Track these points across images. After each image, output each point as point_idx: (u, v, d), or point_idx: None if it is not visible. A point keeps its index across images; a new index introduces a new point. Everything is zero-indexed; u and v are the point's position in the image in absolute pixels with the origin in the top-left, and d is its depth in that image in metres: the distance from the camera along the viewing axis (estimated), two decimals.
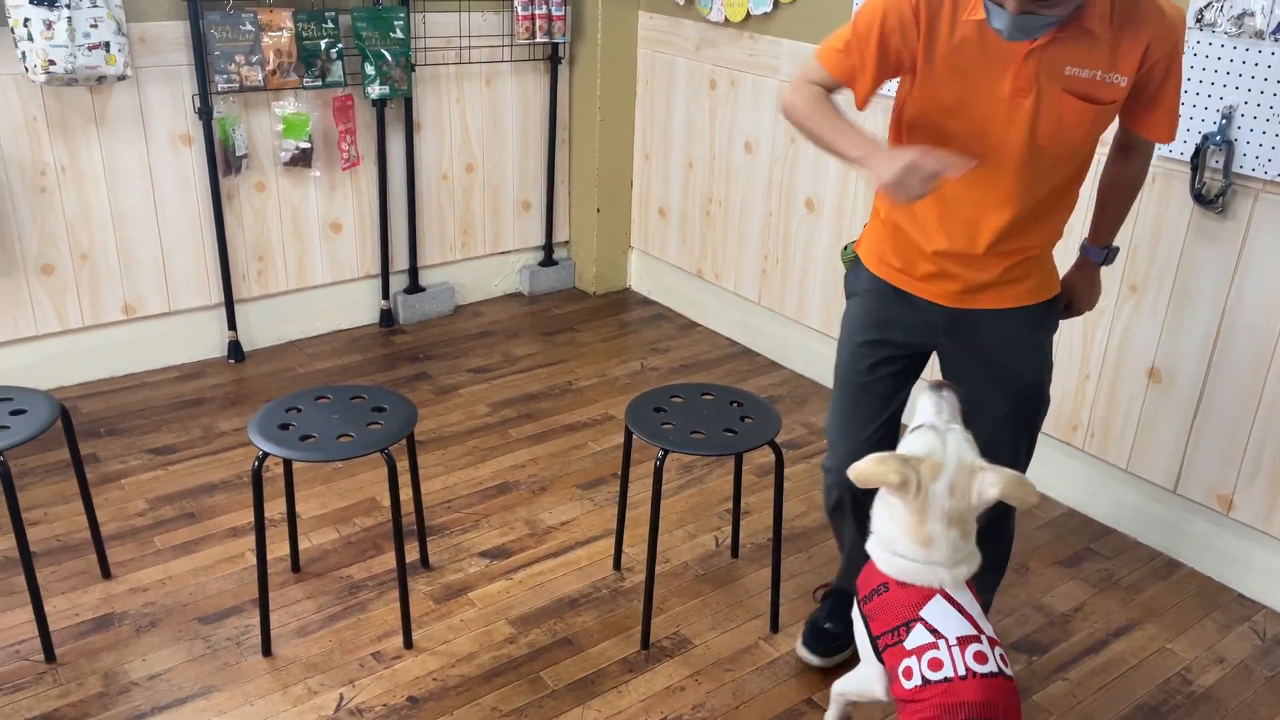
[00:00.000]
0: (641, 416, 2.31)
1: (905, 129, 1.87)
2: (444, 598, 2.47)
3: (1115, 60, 1.71)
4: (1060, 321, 2.07)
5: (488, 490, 2.93)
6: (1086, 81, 1.72)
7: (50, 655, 2.21)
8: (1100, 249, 2.08)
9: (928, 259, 1.92)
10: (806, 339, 3.65)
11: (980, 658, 1.66)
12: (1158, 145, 2.05)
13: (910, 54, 1.76)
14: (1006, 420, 2.02)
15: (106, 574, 2.48)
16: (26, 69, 2.86)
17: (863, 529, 1.97)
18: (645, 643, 2.34)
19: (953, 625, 1.69)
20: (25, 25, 2.80)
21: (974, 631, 1.69)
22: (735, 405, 2.37)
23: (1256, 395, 2.49)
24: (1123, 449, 2.80)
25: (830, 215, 3.43)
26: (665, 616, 2.43)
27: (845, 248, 2.15)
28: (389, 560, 2.59)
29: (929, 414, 1.81)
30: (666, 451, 2.20)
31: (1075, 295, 2.11)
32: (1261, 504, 2.54)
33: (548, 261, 4.33)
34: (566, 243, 4.39)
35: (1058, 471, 2.94)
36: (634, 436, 2.30)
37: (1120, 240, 2.50)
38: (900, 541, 1.74)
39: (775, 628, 2.41)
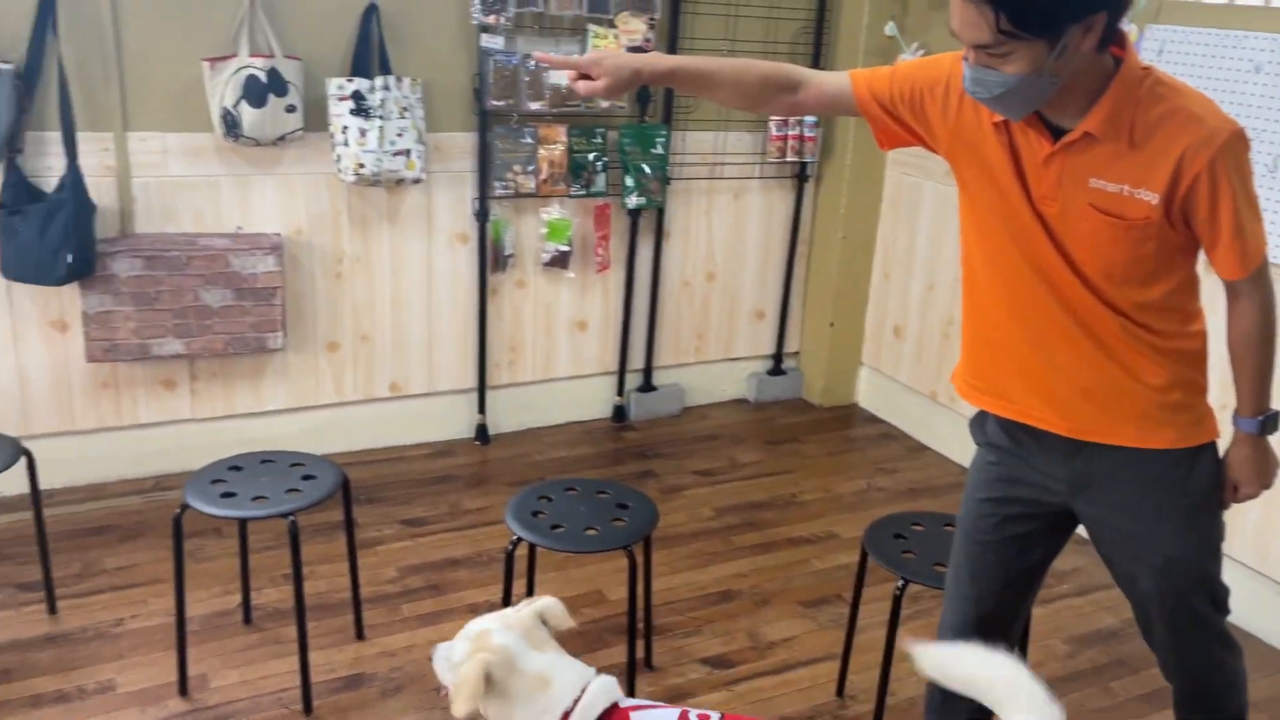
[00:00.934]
0: (881, 541, 2.29)
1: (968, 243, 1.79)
2: (666, 700, 2.50)
3: (1146, 174, 1.54)
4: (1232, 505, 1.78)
5: (710, 596, 2.95)
6: (1114, 196, 1.56)
7: (308, 707, 2.39)
8: (1251, 418, 1.72)
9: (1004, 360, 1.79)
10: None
11: None
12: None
13: (931, 116, 1.71)
14: (1156, 604, 1.78)
15: (360, 635, 2.67)
16: (339, 170, 3.23)
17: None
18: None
19: None
20: (344, 132, 3.19)
21: None
22: None
23: None
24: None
25: None
26: None
27: None
28: (614, 654, 2.65)
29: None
30: (907, 581, 2.17)
31: (1237, 474, 1.75)
32: None
33: (776, 371, 4.38)
34: (796, 354, 4.43)
35: (1267, 606, 2.66)
36: (867, 560, 2.27)
37: None
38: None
39: None
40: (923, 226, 3.93)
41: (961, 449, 3.87)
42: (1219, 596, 1.81)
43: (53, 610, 2.68)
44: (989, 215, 1.69)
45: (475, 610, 2.79)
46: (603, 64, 1.73)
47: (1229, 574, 1.84)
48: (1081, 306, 1.65)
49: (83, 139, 3.00)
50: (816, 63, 3.95)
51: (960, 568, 1.93)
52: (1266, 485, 1.76)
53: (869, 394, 4.35)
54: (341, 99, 3.17)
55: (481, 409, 3.80)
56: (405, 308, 3.61)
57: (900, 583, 2.17)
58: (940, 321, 3.89)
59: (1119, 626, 2.89)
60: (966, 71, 1.52)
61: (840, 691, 2.56)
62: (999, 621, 1.92)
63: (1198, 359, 1.72)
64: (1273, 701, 2.60)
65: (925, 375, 4.00)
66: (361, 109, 3.16)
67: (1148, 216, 1.55)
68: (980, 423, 1.90)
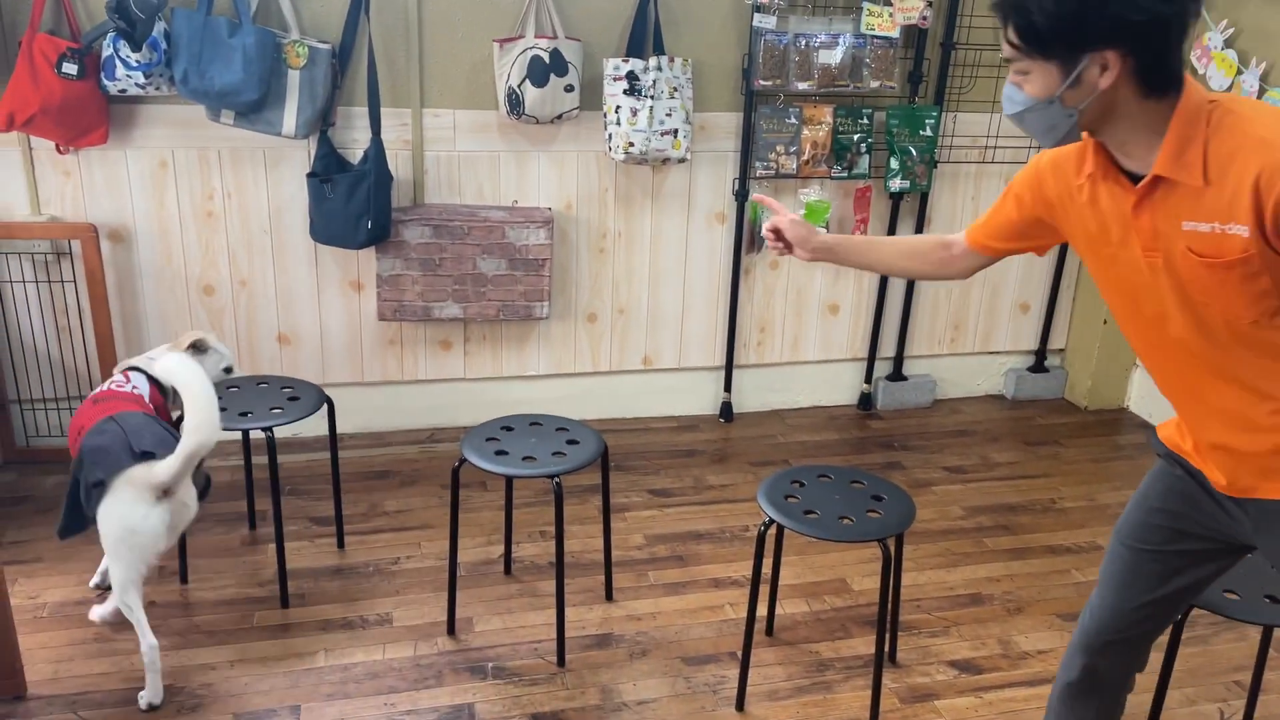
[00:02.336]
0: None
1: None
2: (910, 699, 2.45)
3: (1230, 208, 1.41)
4: None
5: (959, 598, 2.85)
6: (1208, 236, 1.45)
7: (561, 660, 2.52)
8: None
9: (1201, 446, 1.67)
10: None
11: None
12: None
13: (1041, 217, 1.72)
14: None
15: (609, 597, 2.78)
16: (610, 148, 3.34)
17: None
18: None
19: None
20: (616, 111, 3.28)
21: None
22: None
23: None
24: None
25: None
26: None
27: None
28: (857, 645, 2.62)
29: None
30: (1192, 606, 2.00)
31: None
32: None
33: (1038, 368, 4.15)
34: (1061, 350, 4.18)
35: None
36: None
37: None
38: None
39: None
40: None
41: None
42: None
43: (341, 545, 2.97)
44: (1110, 288, 1.65)
45: (718, 585, 2.84)
46: (789, 231, 2.03)
47: None
48: (1220, 358, 1.56)
49: (385, 114, 3.26)
50: None
51: (1113, 574, 1.84)
52: None
53: (1142, 398, 4.04)
54: (616, 79, 3.26)
55: (728, 387, 3.84)
56: (661, 284, 3.69)
57: (1187, 609, 2.01)
58: None
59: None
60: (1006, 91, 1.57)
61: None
62: (1136, 637, 1.84)
63: None
64: None
65: None
66: (634, 89, 3.25)
67: (1245, 250, 1.44)
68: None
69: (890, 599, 2.56)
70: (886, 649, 2.59)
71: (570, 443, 2.54)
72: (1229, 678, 2.55)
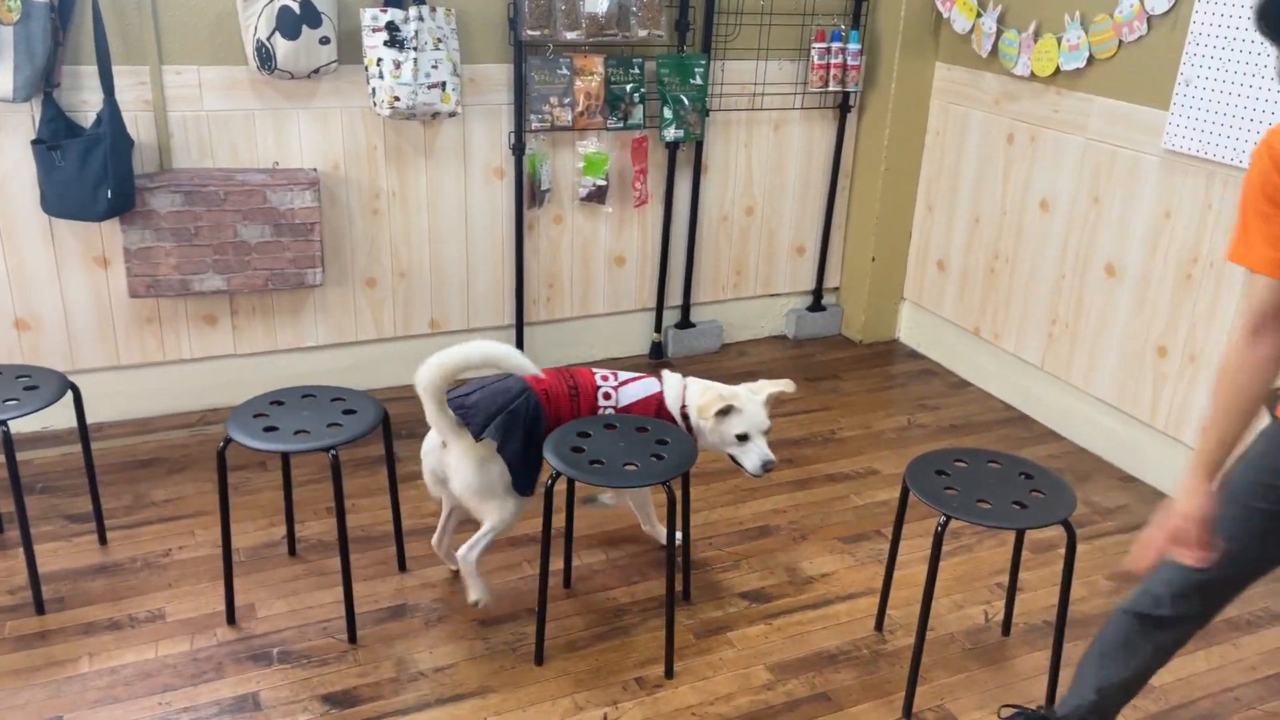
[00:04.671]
0: (923, 478, 2.26)
1: None
2: (704, 633, 2.51)
3: None
4: None
5: (748, 531, 2.95)
6: None
7: (353, 636, 2.43)
8: None
9: None
10: (1092, 411, 3.44)
11: None
12: None
13: None
14: None
15: (403, 567, 2.70)
16: (374, 103, 3.20)
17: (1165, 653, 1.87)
18: (908, 711, 2.27)
19: None
20: (378, 65, 3.14)
21: None
22: (1025, 477, 2.27)
23: None
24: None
25: (1133, 283, 3.23)
26: (929, 687, 2.35)
27: None
28: (652, 588, 2.66)
29: None
30: (949, 518, 2.14)
31: None
32: None
33: (816, 307, 4.32)
34: (836, 289, 4.37)
35: None
36: (908, 496, 2.25)
37: None
38: None
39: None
40: (969, 158, 3.82)
41: (1005, 385, 3.81)
42: None
43: (103, 541, 2.74)
44: None
45: (515, 544, 2.82)
46: (1188, 527, 1.67)
47: None
48: None
49: (119, 73, 2.99)
50: (856, 21, 3.84)
51: (1225, 522, 1.74)
52: None
53: (910, 330, 4.29)
54: (375, 30, 3.12)
55: (520, 345, 3.79)
56: (442, 244, 3.59)
57: (943, 519, 2.14)
58: (986, 256, 3.81)
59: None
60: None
61: (879, 626, 2.55)
62: (1241, 581, 1.82)
63: None
64: None
65: (969, 311, 3.93)
66: (395, 41, 3.11)
67: None
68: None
69: (684, 538, 2.62)
70: (680, 588, 2.65)
71: (347, 413, 2.44)
72: (991, 581, 2.76)
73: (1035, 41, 3.42)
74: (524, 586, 2.65)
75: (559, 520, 2.83)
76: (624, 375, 2.56)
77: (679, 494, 2.55)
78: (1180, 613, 1.84)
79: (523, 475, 2.40)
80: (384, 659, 2.38)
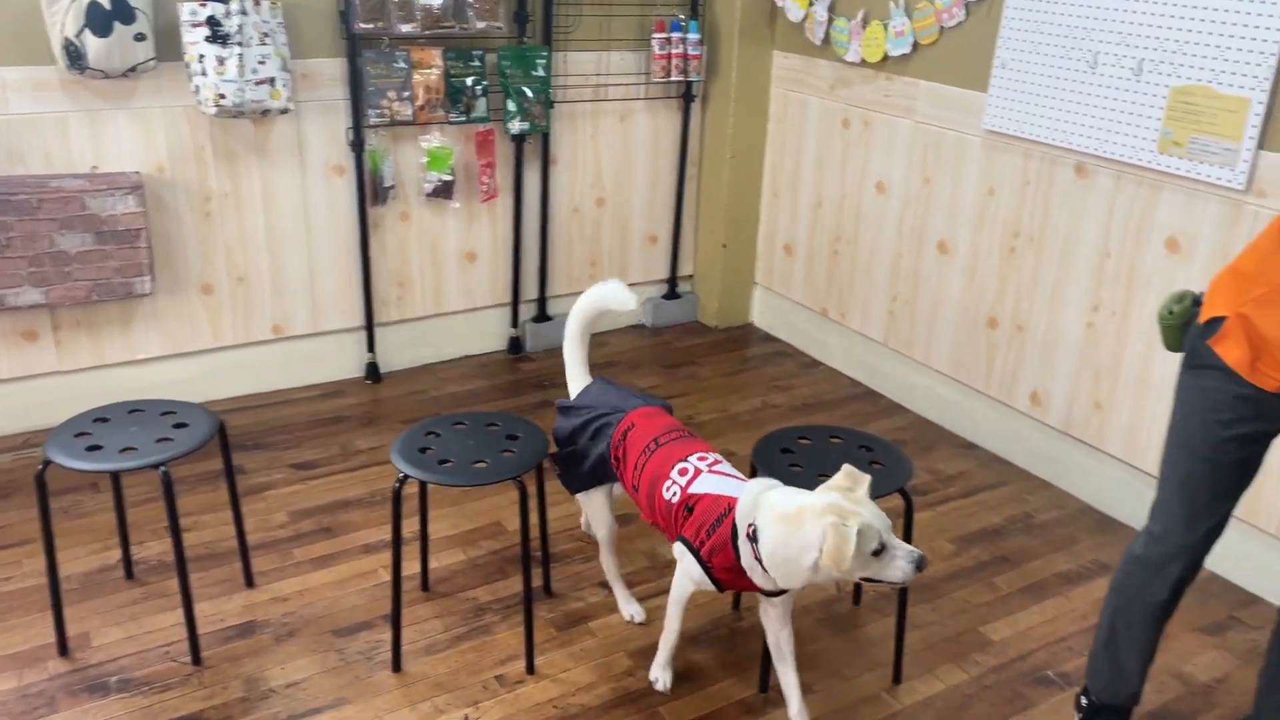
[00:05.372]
0: (768, 457, 2.32)
1: None
2: (565, 626, 2.51)
3: None
4: None
5: None
6: None
7: (197, 658, 2.33)
8: None
9: None
10: (932, 383, 3.59)
11: None
12: None
13: None
14: None
15: (250, 583, 2.60)
16: (199, 101, 3.06)
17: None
18: (764, 686, 2.33)
19: None
20: (200, 61, 3.01)
21: None
22: (864, 450, 2.35)
23: None
24: (1273, 514, 2.65)
25: (964, 258, 3.38)
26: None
27: (1169, 310, 1.91)
28: (513, 585, 2.65)
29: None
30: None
31: None
32: None
33: (671, 295, 4.37)
34: (690, 277, 4.43)
35: None
36: (756, 475, 2.30)
37: None
38: None
39: (898, 679, 2.37)
40: (809, 144, 3.93)
41: (853, 362, 3.94)
42: None
43: None
44: None
45: (370, 551, 2.75)
46: None
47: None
48: None
49: None
50: (695, 11, 3.89)
51: (1194, 480, 1.90)
52: None
53: (763, 313, 4.38)
54: (195, 25, 2.98)
55: (371, 347, 3.71)
56: (282, 245, 3.47)
57: None
58: (829, 239, 3.92)
59: (1001, 524, 3.01)
60: None
61: (736, 605, 2.60)
62: (1220, 525, 1.95)
63: None
64: None
65: (816, 292, 4.04)
66: (218, 35, 2.98)
67: None
68: (1203, 350, 1.85)
69: (540, 532, 2.61)
70: (542, 582, 2.64)
71: (178, 426, 2.33)
72: None
73: (864, 29, 3.53)
74: (380, 593, 2.59)
75: (410, 526, 2.79)
76: (722, 468, 2.14)
77: (533, 489, 2.54)
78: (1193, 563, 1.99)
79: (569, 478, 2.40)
80: (232, 679, 2.29)
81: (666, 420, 2.25)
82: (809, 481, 2.21)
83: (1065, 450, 3.16)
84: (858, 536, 1.80)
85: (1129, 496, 3.00)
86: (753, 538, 1.94)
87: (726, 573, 2.02)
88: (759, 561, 1.94)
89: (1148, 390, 2.89)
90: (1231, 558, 2.76)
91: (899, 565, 1.86)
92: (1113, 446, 3.02)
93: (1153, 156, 2.75)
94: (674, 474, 2.11)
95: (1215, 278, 1.86)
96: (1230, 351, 1.79)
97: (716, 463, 2.13)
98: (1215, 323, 1.81)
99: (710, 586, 2.07)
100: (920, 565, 1.87)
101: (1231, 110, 2.57)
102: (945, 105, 3.34)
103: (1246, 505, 2.70)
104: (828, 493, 1.91)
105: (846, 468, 1.95)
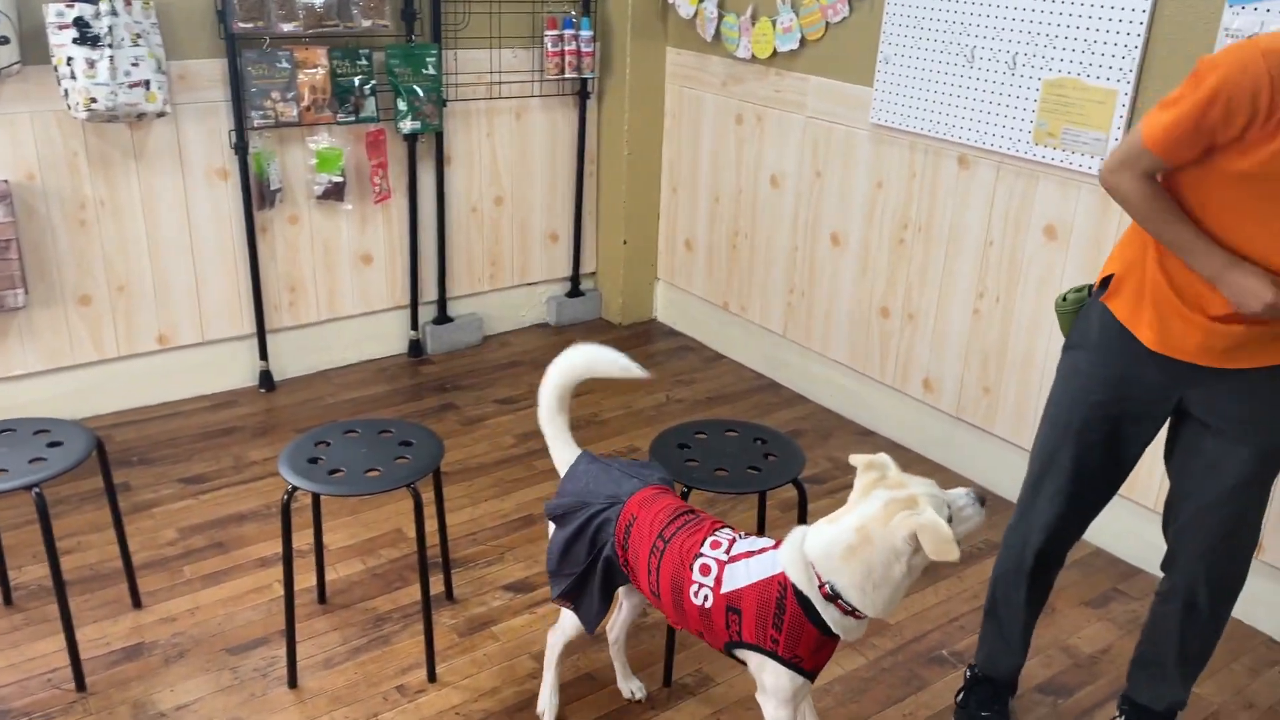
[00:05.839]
0: (666, 453, 2.33)
1: (1228, 177, 1.68)
2: (468, 631, 2.49)
3: None
4: None
5: (513, 523, 2.94)
6: None
7: (81, 684, 2.24)
8: None
9: (1197, 325, 1.78)
10: (831, 372, 3.65)
11: None
12: None
13: (1245, 130, 1.60)
14: (1243, 485, 1.87)
15: (137, 603, 2.51)
16: (69, 106, 2.93)
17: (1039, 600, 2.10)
18: (668, 680, 2.34)
19: None
20: (68, 64, 2.88)
21: None
22: (759, 442, 2.37)
23: None
24: (1150, 489, 2.77)
25: (856, 250, 3.44)
26: (687, 653, 2.43)
27: (1064, 297, 1.99)
28: (414, 592, 2.61)
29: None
30: (690, 488, 2.21)
31: None
32: None
33: (574, 293, 4.36)
34: (593, 274, 4.42)
35: None
36: None
37: None
38: None
39: None
40: (705, 139, 3.95)
41: (754, 355, 3.99)
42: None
43: None
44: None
45: (265, 564, 2.68)
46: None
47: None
48: None
49: None
50: (586, 8, 3.88)
51: (1058, 455, 1.98)
52: None
53: (665, 309, 4.40)
54: (62, 27, 2.85)
55: (263, 354, 3.61)
56: (164, 253, 3.35)
57: (685, 490, 2.21)
58: (727, 233, 3.96)
59: None
60: None
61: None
62: (1092, 512, 2.03)
63: None
64: None
65: (717, 287, 4.08)
66: (87, 37, 2.87)
67: None
68: (1085, 325, 1.92)
69: (440, 538, 2.57)
70: (444, 588, 2.61)
71: (53, 445, 2.23)
72: None
73: (753, 25, 3.57)
74: (275, 608, 2.53)
75: (305, 537, 2.73)
76: (741, 547, 1.83)
77: (431, 495, 2.50)
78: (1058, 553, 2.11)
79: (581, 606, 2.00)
80: (119, 704, 2.20)
81: (666, 503, 1.92)
82: (707, 473, 2.23)
83: (957, 434, 3.25)
84: (938, 514, 1.65)
85: (1017, 476, 3.09)
86: (832, 595, 1.71)
87: (815, 655, 1.76)
88: (852, 614, 1.72)
89: (1032, 373, 2.99)
90: (1113, 532, 2.88)
91: (970, 516, 1.73)
92: (1001, 429, 3.12)
93: (1029, 147, 2.85)
94: (696, 574, 1.81)
95: (1115, 246, 1.95)
96: (1120, 308, 1.87)
97: (733, 543, 1.84)
98: (1107, 281, 1.90)
99: (807, 683, 1.79)
100: (983, 500, 1.75)
101: (1099, 102, 2.67)
102: (834, 100, 3.39)
103: (1127, 481, 2.81)
104: (868, 497, 1.71)
105: (861, 459, 1.77)
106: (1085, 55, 2.68)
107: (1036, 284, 2.93)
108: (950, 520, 1.68)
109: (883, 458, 1.77)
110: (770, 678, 1.78)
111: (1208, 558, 1.94)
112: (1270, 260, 1.69)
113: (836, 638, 1.75)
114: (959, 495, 1.73)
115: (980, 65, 2.92)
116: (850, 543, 1.68)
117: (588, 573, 1.94)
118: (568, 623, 2.10)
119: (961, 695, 2.26)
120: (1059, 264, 2.86)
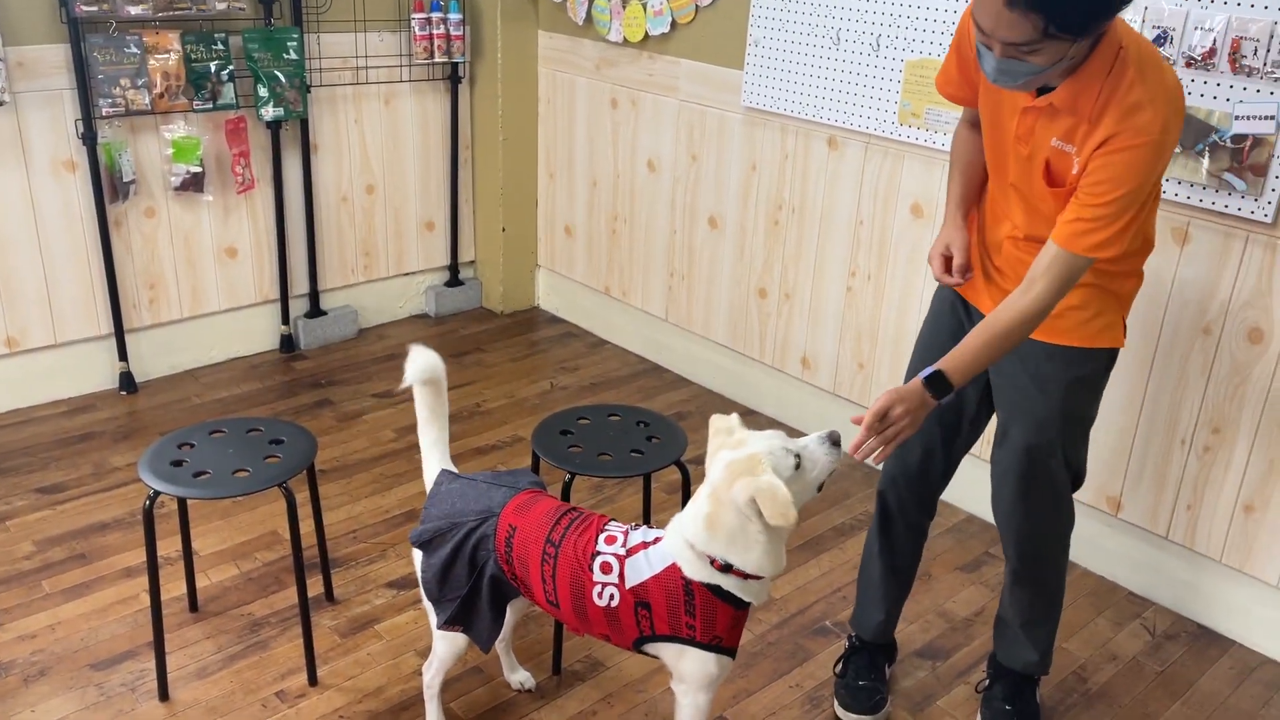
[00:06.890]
0: (548, 440, 2.31)
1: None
2: (350, 631, 2.42)
3: (1084, 145, 1.67)
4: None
5: (394, 519, 2.88)
6: (1064, 156, 1.71)
7: None
8: (936, 372, 1.73)
9: (985, 254, 1.98)
10: (713, 355, 3.69)
11: None
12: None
13: (976, 74, 1.85)
14: (1017, 460, 1.98)
15: None
16: None
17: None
18: (556, 668, 2.33)
19: None
20: None
21: None
22: (642, 425, 2.38)
23: (1138, 403, 2.61)
24: None
25: (733, 232, 3.48)
26: (576, 641, 2.42)
27: None
28: (292, 595, 2.52)
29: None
30: (574, 475, 2.20)
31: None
32: (1147, 505, 2.65)
33: (454, 282, 4.28)
34: (473, 262, 4.36)
35: (956, 478, 3.02)
36: (541, 460, 2.29)
37: None
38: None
39: None
40: (580, 124, 3.93)
41: (637, 339, 4.00)
42: (1074, 467, 2.04)
43: None
44: (989, 132, 1.88)
45: (131, 574, 2.55)
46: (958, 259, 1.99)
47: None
48: (1034, 218, 1.85)
49: None
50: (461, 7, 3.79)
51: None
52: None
53: (547, 295, 4.37)
54: None
55: (123, 355, 3.43)
56: (9, 251, 3.15)
57: (568, 477, 2.20)
58: (606, 217, 3.95)
59: None
60: (990, 62, 1.62)
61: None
62: (933, 461, 2.16)
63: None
64: None
65: (598, 272, 4.06)
66: None
67: (1074, 184, 1.70)
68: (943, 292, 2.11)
69: (317, 538, 2.50)
70: (323, 589, 2.53)
71: None
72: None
73: (624, 8, 3.56)
74: (144, 619, 2.41)
75: (175, 544, 2.61)
76: (635, 538, 1.78)
77: (306, 494, 2.42)
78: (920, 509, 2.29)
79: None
80: None
81: (545, 505, 1.84)
82: (591, 459, 2.22)
83: (835, 409, 3.33)
84: (776, 475, 1.61)
85: None
86: (725, 567, 1.69)
87: (732, 631, 1.73)
88: (751, 578, 1.69)
89: (904, 347, 3.08)
90: (985, 500, 2.99)
91: (821, 459, 1.70)
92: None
93: (894, 127, 2.92)
94: (598, 573, 1.75)
95: None
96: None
97: (627, 535, 1.79)
98: None
99: (730, 662, 1.77)
100: (836, 441, 1.72)
101: None
102: (706, 83, 3.41)
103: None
104: (715, 459, 1.71)
105: (712, 419, 1.77)
106: (946, 37, 2.76)
107: (905, 261, 3.01)
108: (798, 467, 1.67)
109: (732, 419, 1.76)
110: (691, 665, 1.75)
111: (1009, 523, 2.09)
112: (997, 204, 1.93)
113: (748, 606, 1.73)
114: (809, 440, 1.71)
115: (846, 47, 2.98)
116: (707, 512, 1.68)
117: (473, 594, 1.85)
118: (444, 653, 1.98)
119: (840, 665, 2.32)
120: (926, 241, 2.95)
